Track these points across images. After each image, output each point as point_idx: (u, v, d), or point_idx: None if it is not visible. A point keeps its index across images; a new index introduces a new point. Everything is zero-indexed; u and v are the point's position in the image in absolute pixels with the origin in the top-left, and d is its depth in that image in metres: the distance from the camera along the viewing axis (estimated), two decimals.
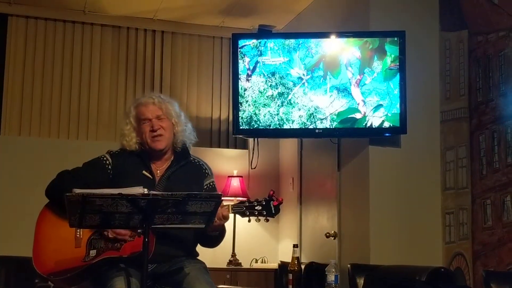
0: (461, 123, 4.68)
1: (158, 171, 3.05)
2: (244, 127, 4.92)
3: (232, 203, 2.94)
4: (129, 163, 3.03)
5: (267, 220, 2.95)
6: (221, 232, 3.00)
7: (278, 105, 4.86)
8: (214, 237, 3.01)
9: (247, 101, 4.91)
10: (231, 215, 2.93)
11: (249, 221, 2.95)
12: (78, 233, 2.87)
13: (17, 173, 5.75)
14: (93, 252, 2.83)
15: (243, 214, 2.92)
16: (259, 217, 2.92)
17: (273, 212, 2.91)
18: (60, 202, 2.81)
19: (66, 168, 3.06)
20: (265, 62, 4.91)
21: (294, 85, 4.85)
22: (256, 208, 2.91)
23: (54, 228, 2.90)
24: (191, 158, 3.15)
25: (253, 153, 5.42)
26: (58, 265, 2.83)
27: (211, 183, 3.13)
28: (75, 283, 2.95)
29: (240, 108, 4.91)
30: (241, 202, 2.95)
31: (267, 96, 4.89)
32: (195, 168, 3.13)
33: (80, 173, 2.99)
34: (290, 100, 4.85)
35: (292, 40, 4.94)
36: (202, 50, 6.59)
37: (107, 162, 3.03)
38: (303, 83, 4.84)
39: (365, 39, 4.81)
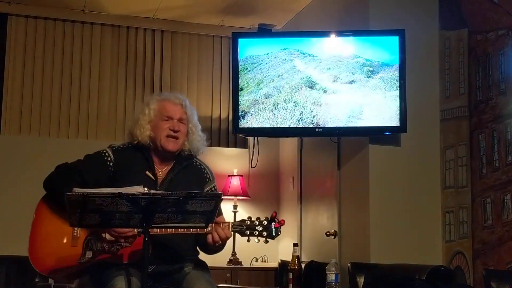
0: (461, 122, 4.68)
1: (160, 173, 3.02)
2: (244, 126, 4.93)
3: (233, 222, 2.90)
4: (132, 161, 2.99)
5: (267, 242, 2.89)
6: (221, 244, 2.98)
7: (279, 104, 4.86)
8: (213, 249, 2.98)
9: (247, 100, 4.91)
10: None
11: (248, 240, 2.89)
12: (75, 231, 2.85)
13: (17, 172, 5.75)
14: (89, 253, 2.82)
15: (242, 234, 2.86)
16: (259, 238, 2.87)
17: (274, 234, 2.85)
18: (56, 197, 2.81)
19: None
20: (265, 61, 4.92)
21: (295, 84, 4.85)
22: (256, 228, 2.85)
23: (50, 225, 2.88)
24: (194, 161, 3.12)
25: (253, 152, 5.42)
26: (54, 263, 2.83)
27: (212, 189, 3.10)
28: (73, 279, 2.95)
29: (240, 107, 4.91)
30: (242, 220, 2.88)
31: (267, 95, 4.89)
32: (197, 171, 3.10)
33: (79, 168, 2.96)
34: (290, 99, 4.85)
35: (292, 39, 4.95)
36: (201, 49, 6.59)
37: (109, 159, 2.98)
38: (304, 82, 4.84)
39: (364, 38, 4.82)
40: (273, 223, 2.85)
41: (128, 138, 3.10)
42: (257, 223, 2.86)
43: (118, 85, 6.31)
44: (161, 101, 3.06)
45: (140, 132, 3.01)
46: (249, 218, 2.88)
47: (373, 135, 4.82)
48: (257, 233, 2.85)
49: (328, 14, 5.59)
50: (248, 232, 2.85)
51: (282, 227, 2.89)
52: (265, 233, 2.85)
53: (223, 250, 3.03)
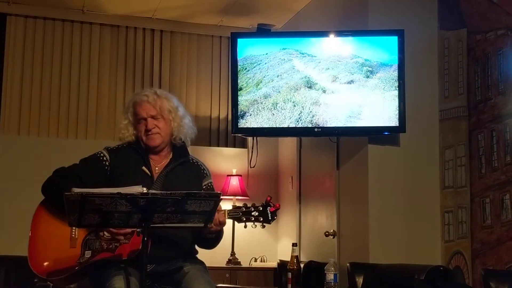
0: (460, 122, 4.68)
1: (157, 168, 3.04)
2: (243, 126, 4.93)
3: (229, 208, 2.92)
4: (127, 159, 3.02)
5: (263, 226, 2.92)
6: (218, 234, 2.99)
7: (278, 104, 4.86)
8: (210, 239, 3.00)
9: (246, 100, 4.92)
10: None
11: (245, 226, 2.92)
12: (73, 233, 2.86)
13: (17, 172, 5.75)
14: (88, 253, 2.83)
15: (239, 220, 2.89)
16: (256, 223, 2.90)
17: (270, 218, 2.88)
18: (56, 200, 2.82)
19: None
20: (264, 61, 4.92)
21: (294, 83, 4.85)
22: (252, 214, 2.88)
23: (49, 228, 2.89)
24: (190, 158, 3.14)
25: (252, 152, 5.42)
26: (53, 265, 2.83)
27: (209, 184, 3.12)
28: (73, 282, 2.95)
29: (239, 107, 4.91)
30: (238, 207, 2.92)
31: (266, 95, 4.89)
32: (194, 167, 3.12)
33: (76, 171, 2.97)
34: (289, 99, 4.85)
35: (291, 39, 4.95)
36: (201, 49, 6.59)
37: (105, 159, 3.01)
38: (303, 82, 4.84)
39: (363, 38, 4.82)
40: (269, 207, 2.89)
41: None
42: (253, 208, 2.89)
43: (117, 85, 6.31)
44: (133, 104, 3.12)
45: (122, 134, 3.10)
46: (245, 204, 2.92)
47: (372, 135, 4.83)
48: (253, 218, 2.89)
49: (327, 14, 5.60)
50: (244, 218, 2.89)
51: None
52: (261, 218, 2.89)
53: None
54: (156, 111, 3.05)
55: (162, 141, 3.05)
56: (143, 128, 3.04)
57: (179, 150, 3.11)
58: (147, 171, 3.00)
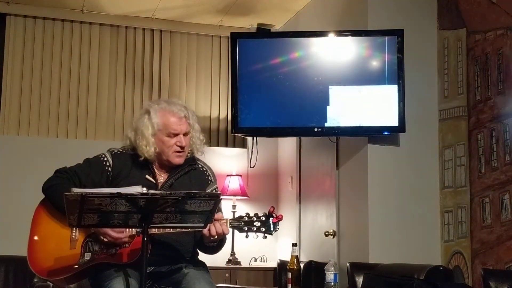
0: (459, 122, 4.68)
1: (161, 177, 3.00)
2: (242, 126, 4.93)
3: (231, 217, 2.88)
4: (131, 166, 2.96)
5: (265, 237, 2.88)
6: (220, 242, 2.95)
7: (277, 104, 4.86)
8: (212, 247, 2.96)
9: (245, 100, 4.92)
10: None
11: (246, 236, 2.88)
12: (73, 234, 2.85)
13: (16, 172, 5.75)
14: (87, 255, 2.81)
15: (241, 230, 2.84)
16: (257, 234, 2.85)
17: (272, 229, 2.83)
18: (55, 201, 2.82)
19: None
20: (264, 60, 4.92)
21: (294, 83, 4.85)
22: (254, 224, 2.83)
23: (49, 228, 2.88)
24: (196, 164, 3.09)
25: (252, 152, 5.42)
26: (53, 266, 2.82)
27: (214, 191, 3.06)
28: (72, 282, 2.94)
29: (239, 107, 4.91)
30: (240, 216, 2.87)
31: (265, 95, 4.89)
32: (199, 174, 3.07)
33: (77, 173, 2.94)
34: (289, 98, 4.85)
35: (291, 39, 4.95)
36: (200, 49, 6.59)
37: (107, 164, 2.96)
38: (302, 82, 4.84)
39: (363, 38, 4.82)
40: (271, 218, 2.84)
41: (129, 145, 3.03)
42: (255, 219, 2.84)
43: (117, 85, 6.32)
44: (164, 114, 2.98)
45: (145, 148, 2.94)
46: (247, 214, 2.87)
47: (372, 135, 4.83)
48: (255, 229, 2.84)
49: (327, 14, 5.60)
50: (246, 228, 2.84)
51: (281, 227, 2.88)
52: (263, 229, 2.84)
53: (223, 250, 3.02)
54: (190, 128, 3.01)
55: (184, 159, 3.02)
56: (173, 143, 2.95)
57: (186, 159, 3.06)
58: (151, 179, 2.95)
